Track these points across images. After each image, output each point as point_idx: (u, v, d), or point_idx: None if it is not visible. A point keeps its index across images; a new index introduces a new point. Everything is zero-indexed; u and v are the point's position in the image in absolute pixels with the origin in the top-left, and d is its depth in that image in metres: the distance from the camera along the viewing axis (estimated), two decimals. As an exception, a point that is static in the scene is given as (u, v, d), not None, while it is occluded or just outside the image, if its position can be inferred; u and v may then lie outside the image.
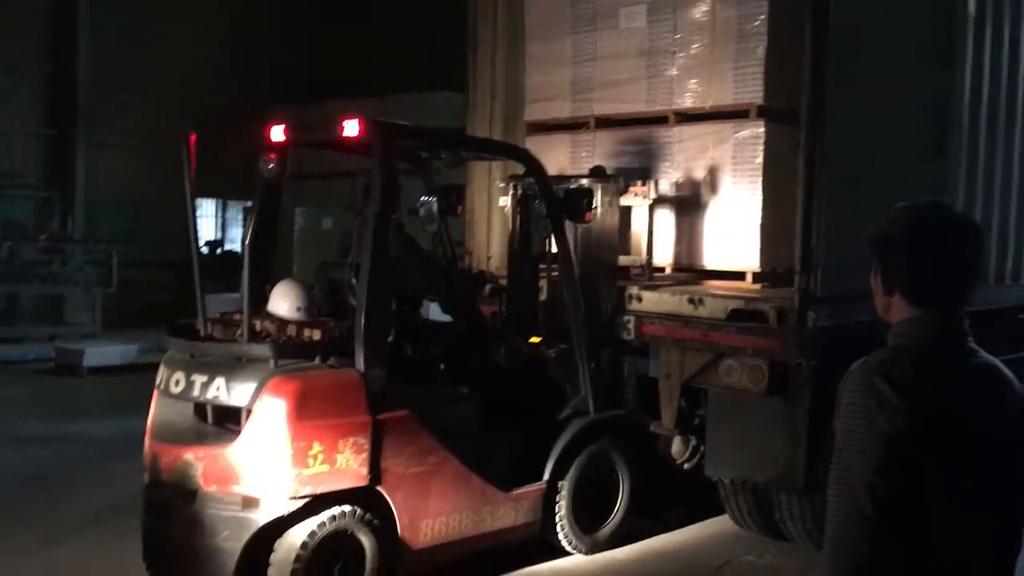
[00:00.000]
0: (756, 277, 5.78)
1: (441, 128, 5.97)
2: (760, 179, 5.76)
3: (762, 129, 5.75)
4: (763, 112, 5.75)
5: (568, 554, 5.26)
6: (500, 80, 7.16)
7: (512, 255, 6.09)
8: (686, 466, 5.62)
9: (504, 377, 5.33)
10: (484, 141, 6.29)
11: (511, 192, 6.06)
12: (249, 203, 18.41)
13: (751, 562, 5.38)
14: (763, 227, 5.75)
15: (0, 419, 8.43)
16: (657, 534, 5.69)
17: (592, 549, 5.34)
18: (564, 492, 5.20)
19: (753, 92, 5.79)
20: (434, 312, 6.00)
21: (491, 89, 7.17)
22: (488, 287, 6.48)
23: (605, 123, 6.49)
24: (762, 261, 5.75)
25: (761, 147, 5.75)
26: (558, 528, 5.20)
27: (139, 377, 9.29)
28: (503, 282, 6.34)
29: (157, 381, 4.61)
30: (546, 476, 5.14)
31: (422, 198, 5.19)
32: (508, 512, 4.96)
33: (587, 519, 5.34)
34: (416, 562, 4.58)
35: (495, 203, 6.85)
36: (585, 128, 6.55)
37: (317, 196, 15.15)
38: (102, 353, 11.44)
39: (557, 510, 5.19)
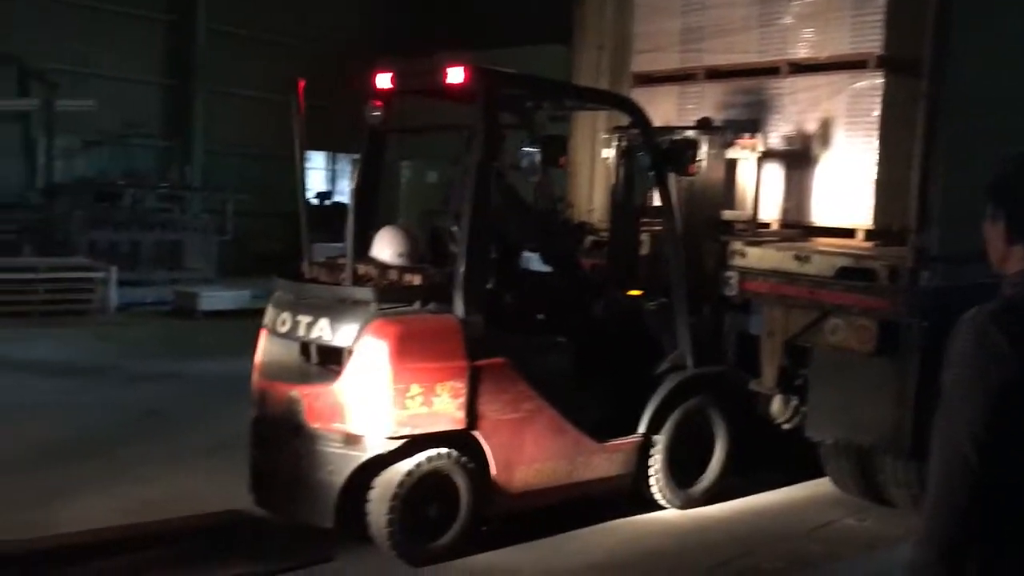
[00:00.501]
0: (868, 235, 5.59)
1: (549, 78, 5.91)
2: (876, 133, 5.54)
3: (880, 80, 5.51)
4: (882, 62, 5.51)
5: (661, 508, 5.25)
6: (608, 30, 7.05)
7: (614, 208, 6.04)
8: (786, 426, 5.53)
9: (602, 329, 5.32)
10: (589, 90, 6.22)
11: (615, 144, 5.99)
12: (357, 155, 18.80)
13: (851, 526, 5.26)
14: (877, 183, 5.54)
15: (123, 358, 8.92)
16: (752, 493, 5.62)
17: (685, 504, 5.32)
18: (659, 446, 5.19)
19: (872, 41, 5.54)
20: (533, 263, 6.01)
21: (598, 40, 7.07)
22: (589, 239, 6.46)
23: (714, 74, 6.33)
24: (874, 218, 5.55)
25: (878, 99, 5.52)
26: (651, 482, 5.20)
27: (250, 321, 9.66)
28: (604, 235, 6.30)
29: (265, 321, 4.78)
30: (641, 429, 5.13)
31: (524, 148, 5.18)
32: (601, 463, 4.98)
33: (681, 474, 5.31)
34: (508, 506, 4.65)
35: (598, 155, 6.77)
36: (693, 79, 6.40)
37: (423, 150, 15.32)
38: (217, 298, 11.92)
39: (651, 464, 5.18)
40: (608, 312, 5.40)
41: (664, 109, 6.38)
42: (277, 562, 4.35)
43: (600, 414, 5.06)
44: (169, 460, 5.78)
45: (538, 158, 5.15)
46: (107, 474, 5.44)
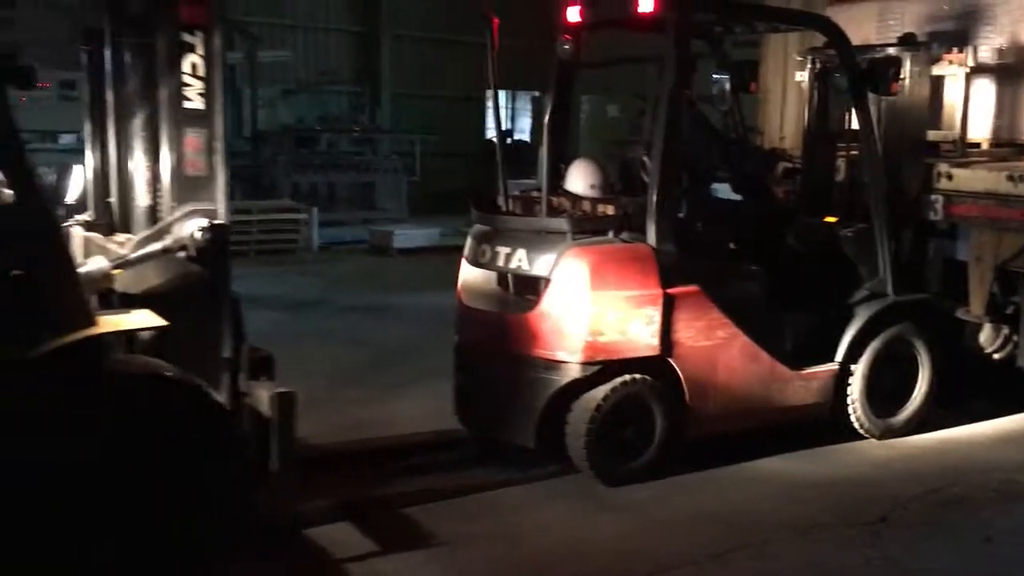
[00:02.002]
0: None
1: (742, 2, 5.77)
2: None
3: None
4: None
5: (861, 437, 5.18)
6: (800, -54, 6.78)
7: (808, 132, 5.88)
8: (995, 356, 5.30)
9: (796, 256, 5.25)
10: (782, 11, 6.04)
11: (809, 66, 5.81)
12: (537, 93, 18.99)
13: (1066, 460, 5.01)
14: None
15: (328, 292, 9.57)
16: (958, 425, 5.44)
17: (885, 434, 5.22)
18: (857, 375, 5.10)
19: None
20: (723, 192, 5.96)
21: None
22: (782, 166, 6.33)
23: (917, -14, 5.98)
24: (1100, 133, 5.14)
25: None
26: (850, 411, 5.13)
27: (441, 257, 10.13)
28: (797, 161, 6.15)
29: (465, 252, 5.02)
30: (839, 358, 5.06)
31: (714, 75, 5.13)
32: (797, 390, 4.95)
33: (881, 404, 5.21)
34: (703, 431, 4.73)
35: (790, 79, 6.59)
36: (894, -7, 6.08)
37: (602, 84, 15.23)
38: (409, 236, 12.47)
39: (849, 392, 5.10)
40: (802, 239, 5.31)
41: (862, 27, 6.10)
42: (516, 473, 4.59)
43: (795, 342, 5.02)
44: (377, 384, 6.20)
45: (728, 85, 5.10)
46: (325, 398, 5.91)
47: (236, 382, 3.65)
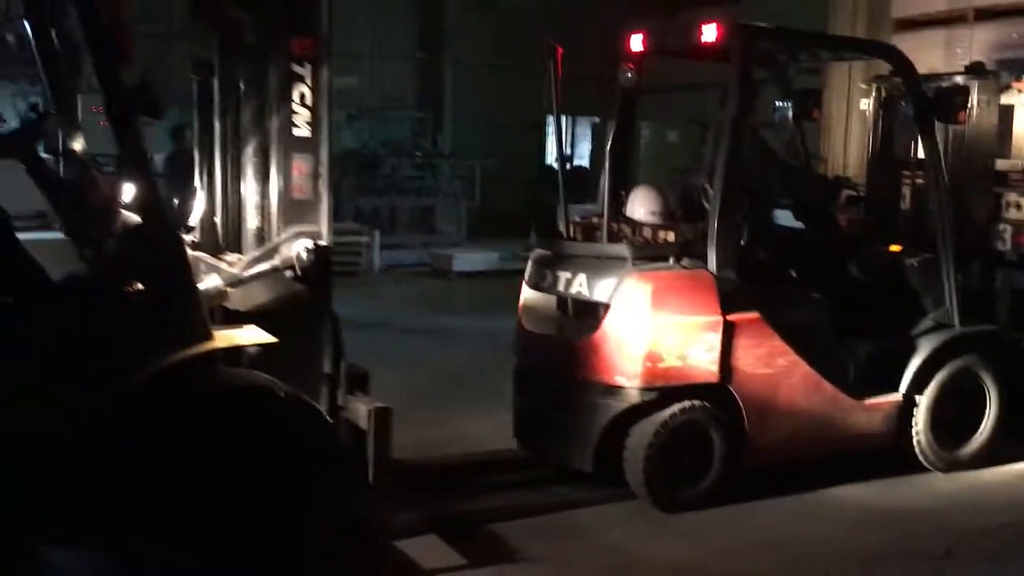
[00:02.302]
0: None
1: (800, 29, 5.78)
2: None
3: None
4: None
5: (925, 469, 5.09)
6: (865, -26, 6.77)
7: (872, 160, 5.84)
8: (1066, 389, 5.16)
9: (859, 285, 5.20)
10: (847, 40, 6.04)
11: (873, 94, 5.78)
12: (596, 119, 19.06)
13: None
14: None
15: (390, 314, 9.72)
16: (1028, 459, 5.32)
17: (950, 467, 5.12)
18: (922, 406, 5.02)
19: None
20: (784, 219, 5.94)
21: (855, -16, 6.80)
22: (845, 194, 6.29)
23: (985, 15, 5.95)
24: None
25: None
26: (914, 442, 5.05)
27: (500, 281, 10.19)
28: (861, 189, 6.10)
29: (526, 276, 5.08)
30: (903, 388, 4.99)
31: (777, 103, 5.13)
32: (859, 420, 4.90)
33: (947, 436, 5.11)
34: (762, 459, 4.70)
35: (854, 107, 6.56)
36: (962, 21, 6.05)
37: (663, 110, 15.22)
38: (468, 259, 12.60)
39: (914, 423, 5.03)
40: (865, 267, 5.26)
41: (929, 55, 6.08)
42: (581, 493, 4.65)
43: (858, 371, 4.97)
44: (445, 405, 6.27)
45: (791, 113, 5.10)
46: (397, 418, 5.97)
47: (335, 397, 3.81)
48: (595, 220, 5.00)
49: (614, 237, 4.82)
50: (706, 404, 4.54)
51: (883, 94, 5.65)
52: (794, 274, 5.21)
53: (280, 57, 3.68)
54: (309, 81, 3.70)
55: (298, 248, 3.66)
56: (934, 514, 4.62)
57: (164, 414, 3.06)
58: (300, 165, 3.72)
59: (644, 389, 4.44)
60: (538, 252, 5.06)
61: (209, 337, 3.23)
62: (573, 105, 16.07)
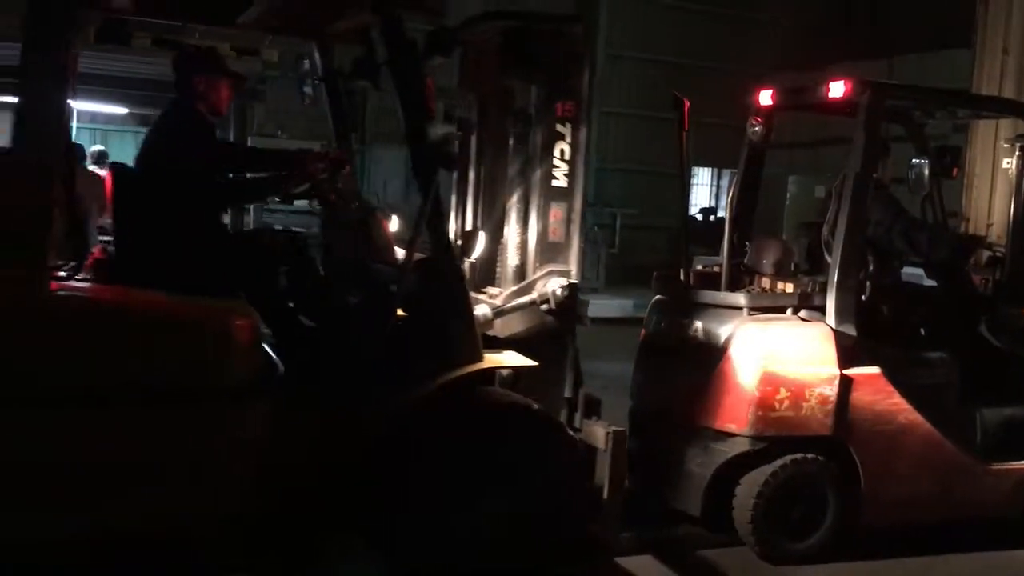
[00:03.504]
0: None
1: (936, 88, 5.71)
2: None
3: None
4: None
5: (1055, 543, 4.86)
6: (1014, 33, 6.61)
7: (1016, 220, 5.65)
8: None
9: (990, 347, 5.05)
10: (980, 98, 5.89)
11: (1017, 153, 5.62)
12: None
13: None
14: None
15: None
16: None
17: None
18: (1058, 476, 4.81)
19: None
20: (919, 277, 5.82)
21: (1002, 43, 6.65)
22: (986, 255, 6.09)
23: None
24: None
25: None
26: (1045, 512, 4.83)
27: (633, 328, 10.22)
28: (1000, 251, 5.91)
29: (645, 322, 5.20)
30: (1035, 455, 4.80)
31: (913, 160, 5.09)
32: (985, 486, 4.74)
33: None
34: (878, 519, 4.62)
35: (999, 165, 6.37)
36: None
37: (810, 164, 15.04)
38: (604, 305, 12.72)
39: (1045, 493, 4.82)
40: (998, 329, 5.10)
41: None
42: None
43: (987, 435, 4.82)
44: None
45: (927, 170, 5.03)
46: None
47: (572, 419, 4.23)
48: (715, 269, 5.08)
49: (733, 286, 4.89)
50: (819, 458, 4.52)
51: (1027, 153, 5.48)
52: (923, 332, 5.12)
53: (547, 118, 4.20)
54: (569, 138, 4.24)
55: (554, 285, 4.23)
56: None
57: (447, 421, 3.59)
58: (557, 211, 4.28)
59: (754, 438, 4.47)
60: (658, 298, 5.18)
61: (481, 359, 3.74)
62: (719, 157, 16.14)
